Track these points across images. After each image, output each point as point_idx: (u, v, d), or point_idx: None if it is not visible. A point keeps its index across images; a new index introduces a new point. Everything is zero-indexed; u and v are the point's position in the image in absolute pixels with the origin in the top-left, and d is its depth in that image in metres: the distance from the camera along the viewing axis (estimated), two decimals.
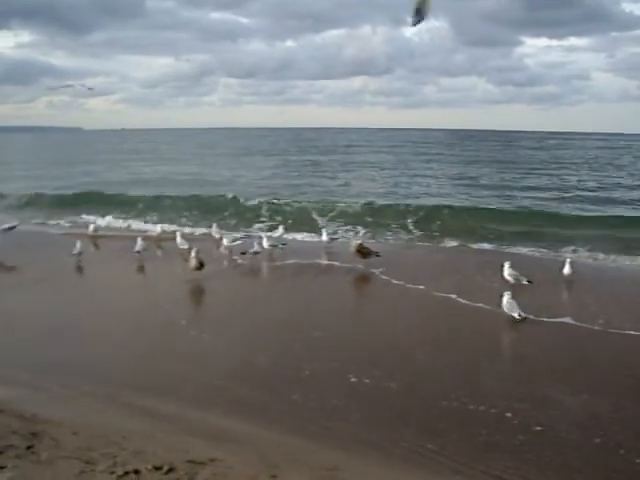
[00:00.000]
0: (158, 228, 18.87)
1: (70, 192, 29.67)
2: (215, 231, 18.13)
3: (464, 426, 6.88)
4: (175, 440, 5.99)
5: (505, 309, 10.57)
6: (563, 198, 29.87)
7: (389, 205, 25.28)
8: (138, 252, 15.64)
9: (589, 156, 60.64)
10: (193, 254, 13.46)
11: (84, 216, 23.53)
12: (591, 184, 35.46)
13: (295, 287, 13.31)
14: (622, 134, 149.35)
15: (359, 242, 14.98)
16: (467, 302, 11.48)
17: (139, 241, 15.77)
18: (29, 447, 5.01)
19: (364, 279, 13.90)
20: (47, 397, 7.32)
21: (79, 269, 15.09)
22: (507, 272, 12.37)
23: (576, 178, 38.50)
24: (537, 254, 16.72)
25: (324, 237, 17.33)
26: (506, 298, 10.59)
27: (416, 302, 11.83)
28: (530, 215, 23.83)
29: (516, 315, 10.41)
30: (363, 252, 14.55)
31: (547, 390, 7.78)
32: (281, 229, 17.96)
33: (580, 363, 8.73)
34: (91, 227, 19.24)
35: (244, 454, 5.79)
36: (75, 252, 15.31)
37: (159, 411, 7.15)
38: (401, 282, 12.94)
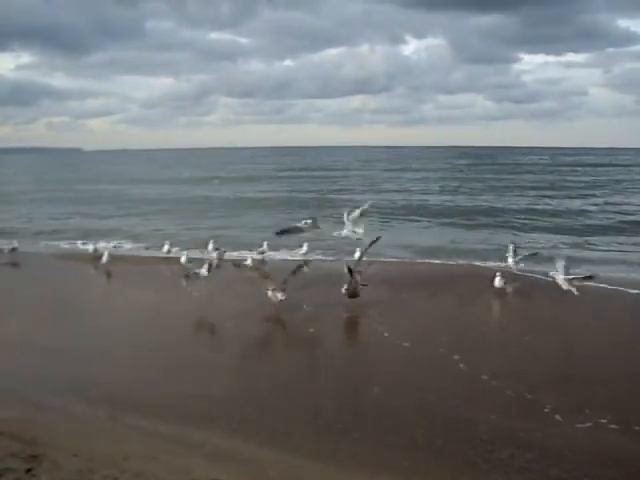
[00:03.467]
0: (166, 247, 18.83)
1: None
2: (211, 250, 18.05)
3: (467, 444, 6.84)
4: (176, 461, 5.95)
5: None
6: None
7: None
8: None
9: None
10: (279, 294, 12.16)
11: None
12: None
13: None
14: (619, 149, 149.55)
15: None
16: (471, 371, 9.13)
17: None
18: (28, 470, 4.96)
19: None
20: (48, 418, 7.27)
21: (84, 289, 15.08)
22: (499, 283, 13.88)
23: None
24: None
25: (183, 259, 16.60)
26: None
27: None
28: None
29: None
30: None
31: None
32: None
33: None
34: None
35: (245, 474, 5.75)
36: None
37: (160, 432, 7.10)
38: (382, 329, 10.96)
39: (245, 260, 16.05)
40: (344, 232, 12.97)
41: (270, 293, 12.26)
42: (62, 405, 7.85)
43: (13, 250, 19.46)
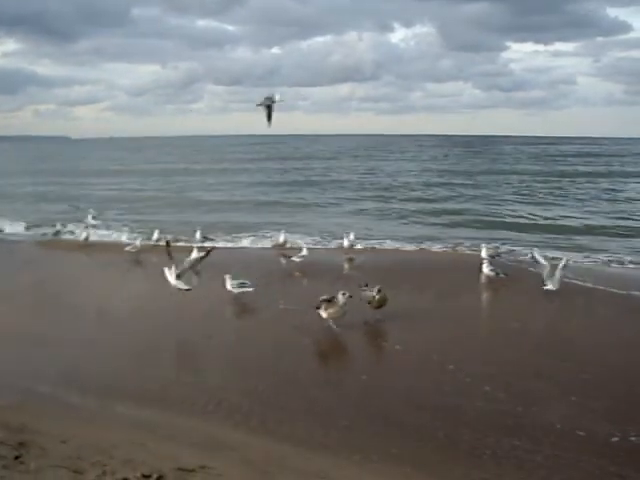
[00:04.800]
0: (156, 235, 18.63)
1: None
2: (199, 238, 18.00)
3: (454, 431, 6.91)
4: (164, 448, 5.95)
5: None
6: None
7: None
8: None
9: None
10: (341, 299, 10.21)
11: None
12: None
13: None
14: (608, 138, 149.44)
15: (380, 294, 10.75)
16: (458, 359, 8.92)
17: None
18: (17, 457, 4.95)
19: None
20: (37, 406, 7.25)
21: (76, 278, 15.00)
22: (486, 269, 13.85)
23: None
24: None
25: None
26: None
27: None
28: None
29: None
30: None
31: None
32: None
33: None
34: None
35: (234, 461, 5.77)
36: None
37: (149, 419, 7.11)
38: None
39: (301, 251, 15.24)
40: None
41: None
42: (51, 392, 7.84)
43: (57, 234, 20.01)
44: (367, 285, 10.96)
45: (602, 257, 17.23)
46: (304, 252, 15.08)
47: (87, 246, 18.57)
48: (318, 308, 10.18)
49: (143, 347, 9.81)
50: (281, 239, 17.46)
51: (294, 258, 14.88)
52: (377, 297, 10.68)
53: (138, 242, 17.20)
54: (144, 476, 4.77)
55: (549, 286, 12.56)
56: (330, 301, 10.18)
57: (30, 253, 18.52)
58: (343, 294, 10.07)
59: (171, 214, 27.25)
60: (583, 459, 6.25)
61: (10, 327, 10.62)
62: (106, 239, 20.60)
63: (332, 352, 9.59)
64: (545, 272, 12.78)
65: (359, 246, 17.35)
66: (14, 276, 14.93)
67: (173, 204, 31.01)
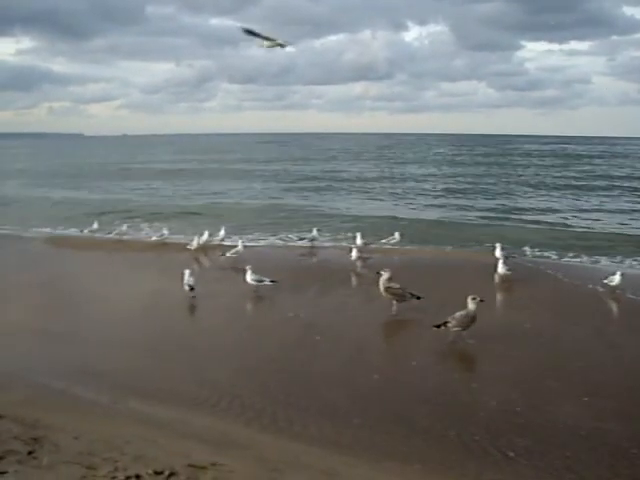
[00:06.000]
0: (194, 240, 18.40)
1: None
2: (223, 235, 18.11)
3: (466, 431, 6.88)
4: (176, 445, 5.97)
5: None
6: None
7: None
8: None
9: None
10: (386, 275, 11.45)
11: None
12: None
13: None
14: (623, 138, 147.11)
15: (387, 277, 11.36)
16: (472, 356, 9.52)
17: None
18: (30, 452, 4.98)
19: None
20: (49, 402, 7.30)
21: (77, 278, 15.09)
22: (502, 268, 13.97)
23: None
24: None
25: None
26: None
27: None
28: None
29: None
30: (395, 294, 11.33)
31: None
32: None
33: None
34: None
35: (245, 458, 5.77)
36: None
37: (161, 416, 7.13)
38: None
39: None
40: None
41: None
42: (64, 388, 7.89)
43: (119, 234, 19.88)
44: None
45: (630, 261, 17.03)
46: (354, 253, 15.80)
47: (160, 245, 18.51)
48: (439, 327, 9.49)
49: (156, 345, 9.85)
50: (314, 233, 18.32)
51: (352, 257, 15.66)
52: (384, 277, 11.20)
53: (195, 241, 17.34)
54: (156, 472, 4.78)
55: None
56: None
57: (55, 250, 18.63)
58: (473, 299, 9.54)
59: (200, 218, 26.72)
60: (595, 459, 6.22)
61: (28, 323, 10.70)
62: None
63: (343, 351, 9.55)
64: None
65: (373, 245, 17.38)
66: (38, 272, 15.05)
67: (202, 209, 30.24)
